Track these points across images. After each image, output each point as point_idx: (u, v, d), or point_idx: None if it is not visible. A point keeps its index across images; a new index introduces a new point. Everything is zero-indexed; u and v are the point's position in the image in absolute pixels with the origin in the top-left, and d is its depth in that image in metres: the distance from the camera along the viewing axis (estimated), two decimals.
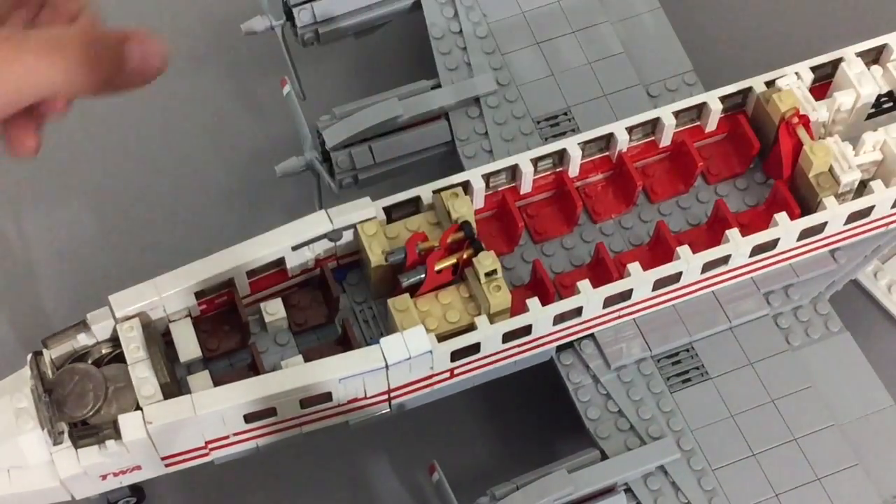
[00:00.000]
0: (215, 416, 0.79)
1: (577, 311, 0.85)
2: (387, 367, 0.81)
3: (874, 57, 0.94)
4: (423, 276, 0.84)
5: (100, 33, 0.67)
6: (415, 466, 0.96)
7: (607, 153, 0.92)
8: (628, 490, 0.84)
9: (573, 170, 0.91)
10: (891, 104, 0.93)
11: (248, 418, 0.81)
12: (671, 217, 0.92)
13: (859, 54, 0.92)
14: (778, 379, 0.88)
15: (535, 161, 0.90)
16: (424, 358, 0.82)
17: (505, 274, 0.88)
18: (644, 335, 0.89)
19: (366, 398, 0.84)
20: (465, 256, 0.84)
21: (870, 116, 0.93)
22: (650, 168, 0.93)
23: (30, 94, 0.66)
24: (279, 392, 0.80)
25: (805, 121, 0.88)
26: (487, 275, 0.83)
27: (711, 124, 0.93)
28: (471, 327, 0.84)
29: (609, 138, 0.91)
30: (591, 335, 0.89)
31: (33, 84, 0.66)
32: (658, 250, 0.89)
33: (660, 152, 0.93)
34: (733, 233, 0.86)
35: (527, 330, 0.85)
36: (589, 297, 0.84)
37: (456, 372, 0.86)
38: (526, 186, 0.91)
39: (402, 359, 0.81)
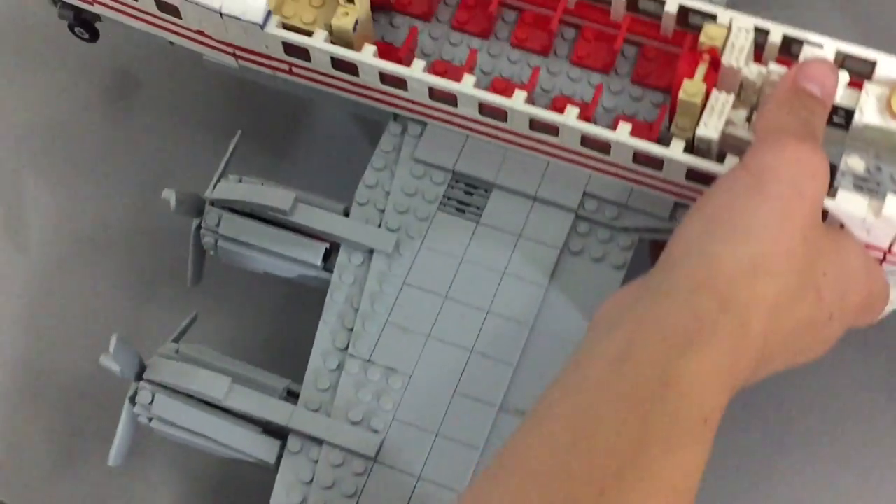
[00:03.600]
0: None
1: None
2: (221, 13, 0.86)
3: (860, 68, 0.84)
4: None
5: None
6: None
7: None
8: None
9: None
10: (841, 122, 0.83)
11: None
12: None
13: (843, 54, 0.83)
14: (526, 263, 0.86)
15: None
16: (254, 27, 0.86)
17: None
18: (462, 154, 0.89)
19: (212, 40, 0.90)
20: None
21: None
22: None
23: None
24: None
25: (715, 59, 0.82)
26: None
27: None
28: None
29: None
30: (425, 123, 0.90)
31: None
32: None
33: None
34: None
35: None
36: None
37: (294, 71, 0.90)
38: None
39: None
